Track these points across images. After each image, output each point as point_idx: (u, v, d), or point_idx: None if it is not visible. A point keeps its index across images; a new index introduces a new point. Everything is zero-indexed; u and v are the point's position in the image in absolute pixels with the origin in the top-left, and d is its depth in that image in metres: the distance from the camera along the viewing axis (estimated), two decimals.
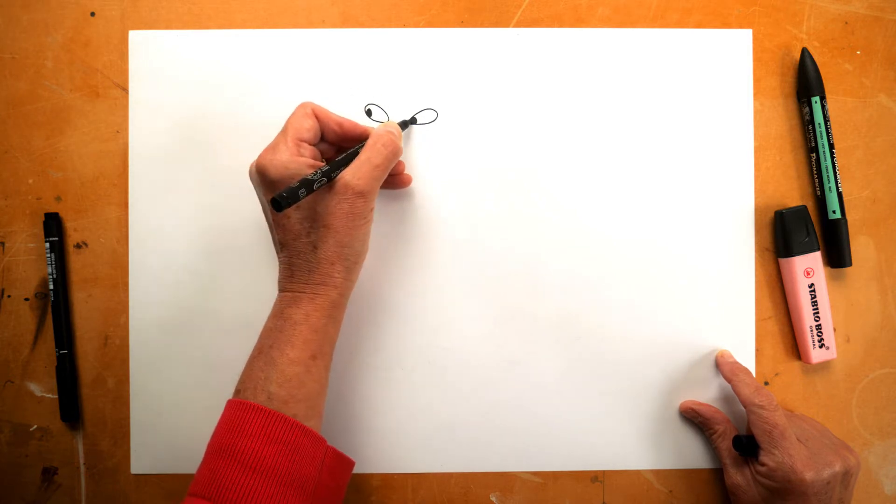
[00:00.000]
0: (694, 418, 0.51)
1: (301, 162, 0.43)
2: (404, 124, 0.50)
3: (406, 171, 0.51)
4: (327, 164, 0.44)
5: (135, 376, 0.51)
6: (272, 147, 0.44)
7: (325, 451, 0.42)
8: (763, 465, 0.46)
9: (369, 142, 0.44)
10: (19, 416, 0.51)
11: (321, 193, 0.43)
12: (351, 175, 0.42)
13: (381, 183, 0.44)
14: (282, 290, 0.44)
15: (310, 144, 0.45)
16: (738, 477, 0.48)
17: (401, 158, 0.49)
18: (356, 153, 0.45)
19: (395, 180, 0.50)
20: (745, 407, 0.48)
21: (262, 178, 0.43)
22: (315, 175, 0.41)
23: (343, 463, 0.44)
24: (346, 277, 0.44)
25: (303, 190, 0.41)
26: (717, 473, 0.52)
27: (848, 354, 0.52)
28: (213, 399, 0.50)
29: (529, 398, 0.51)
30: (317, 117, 0.46)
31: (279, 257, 0.45)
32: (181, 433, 0.51)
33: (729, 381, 0.49)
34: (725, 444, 0.49)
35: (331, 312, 0.43)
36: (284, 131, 0.44)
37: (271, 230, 0.45)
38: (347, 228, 0.42)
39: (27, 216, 0.51)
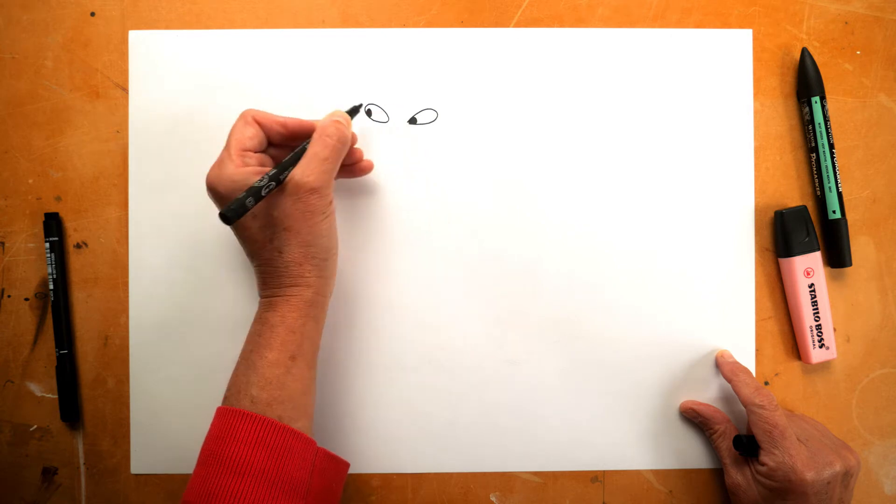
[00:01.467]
0: (694, 418, 0.51)
1: (247, 172, 0.42)
2: (353, 111, 0.48)
3: (367, 158, 0.50)
4: (275, 167, 0.43)
5: (135, 376, 0.51)
6: (217, 163, 0.43)
7: (316, 452, 0.42)
8: (763, 464, 0.46)
9: (315, 135, 0.43)
10: (19, 416, 0.51)
11: (275, 198, 0.42)
12: (300, 173, 0.42)
13: (333, 174, 0.43)
14: (260, 296, 0.44)
15: (255, 152, 0.45)
16: (738, 477, 0.48)
17: (358, 146, 0.49)
18: (304, 150, 0.44)
19: (354, 168, 0.49)
20: (745, 407, 0.48)
21: (213, 195, 0.43)
22: (262, 181, 0.41)
23: (336, 464, 0.44)
24: (319, 275, 0.43)
25: (250, 199, 0.40)
26: (717, 473, 0.52)
27: (848, 354, 0.52)
28: (213, 399, 0.50)
29: (529, 398, 0.51)
30: (258, 123, 0.45)
31: (252, 267, 0.45)
32: (181, 433, 0.51)
33: (729, 381, 0.49)
34: (726, 444, 0.49)
35: (307, 311, 0.43)
36: (227, 144, 0.44)
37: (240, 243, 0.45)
38: (307, 227, 0.42)
39: (27, 216, 0.51)
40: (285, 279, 0.43)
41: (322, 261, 0.43)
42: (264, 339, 0.42)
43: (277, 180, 0.42)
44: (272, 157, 0.47)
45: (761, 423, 0.46)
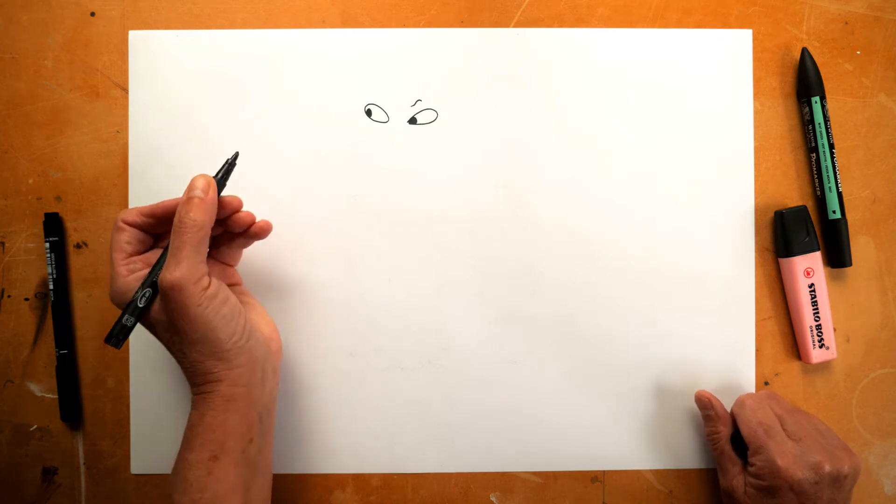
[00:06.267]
0: (704, 409, 0.50)
1: (132, 280, 0.42)
2: (228, 168, 0.44)
3: (246, 208, 0.46)
4: (148, 272, 0.42)
5: (135, 376, 0.51)
6: (110, 280, 0.42)
7: None
8: (752, 465, 0.46)
9: (172, 226, 0.41)
10: (19, 416, 0.51)
11: (161, 298, 0.41)
12: (163, 272, 0.40)
13: (195, 261, 0.40)
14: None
15: (140, 254, 0.43)
16: (733, 480, 0.47)
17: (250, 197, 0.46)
18: None
19: (246, 233, 0.46)
20: (733, 409, 0.48)
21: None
22: (137, 294, 0.41)
23: None
24: (228, 367, 0.41)
25: (128, 317, 0.40)
26: (717, 473, 0.52)
27: (848, 354, 0.52)
28: None
29: (529, 398, 0.51)
30: (127, 224, 0.43)
31: None
32: (181, 433, 0.50)
33: (711, 407, 0.50)
34: (723, 447, 0.49)
35: (226, 406, 0.41)
36: (110, 257, 0.43)
37: None
38: (189, 325, 0.40)
39: (27, 216, 0.51)
40: (196, 378, 0.41)
41: (225, 352, 0.41)
42: (185, 439, 0.41)
43: (153, 285, 0.41)
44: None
45: (747, 422, 0.46)
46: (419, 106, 0.51)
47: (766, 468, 0.44)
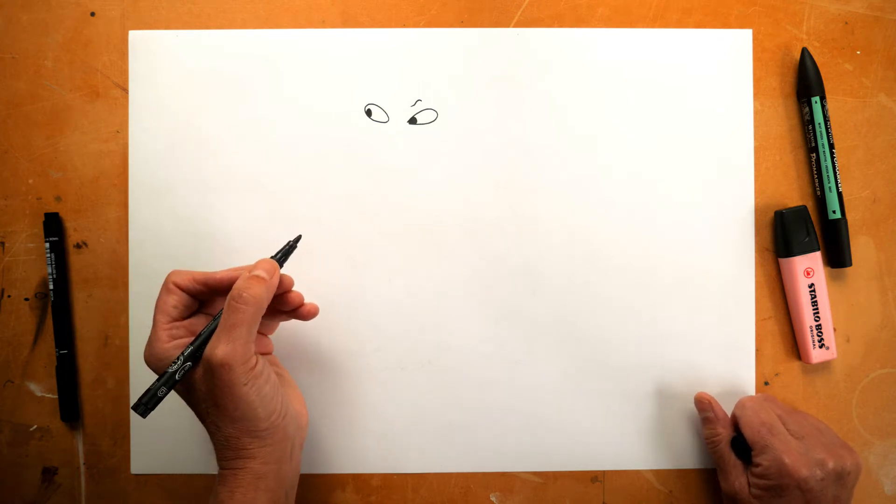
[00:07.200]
0: (703, 411, 0.50)
1: (173, 347, 0.41)
2: (288, 250, 0.45)
3: (301, 295, 0.46)
4: (191, 342, 0.41)
5: (135, 376, 0.51)
6: (149, 339, 0.42)
7: None
8: (757, 465, 0.46)
9: (227, 300, 0.41)
10: (19, 416, 0.51)
11: (197, 372, 0.40)
12: (210, 347, 0.39)
13: (248, 340, 0.40)
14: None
15: (183, 319, 0.43)
16: (735, 483, 0.47)
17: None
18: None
19: (295, 314, 0.46)
20: (734, 413, 0.48)
21: (154, 372, 0.42)
22: (175, 364, 0.40)
23: None
24: (263, 444, 0.41)
25: (162, 389, 0.39)
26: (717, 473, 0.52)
27: (848, 354, 0.52)
28: None
29: (529, 398, 0.51)
30: (179, 287, 0.43)
31: None
32: (181, 433, 0.51)
33: (709, 409, 0.50)
34: (722, 449, 0.49)
35: (256, 484, 0.40)
36: (154, 318, 0.42)
37: None
38: (232, 402, 0.39)
39: (27, 216, 0.51)
40: (228, 452, 0.41)
41: (262, 430, 0.41)
42: None
43: (194, 358, 0.40)
44: (212, 316, 0.44)
45: (749, 423, 0.46)
46: (419, 106, 0.51)
47: (773, 467, 0.44)
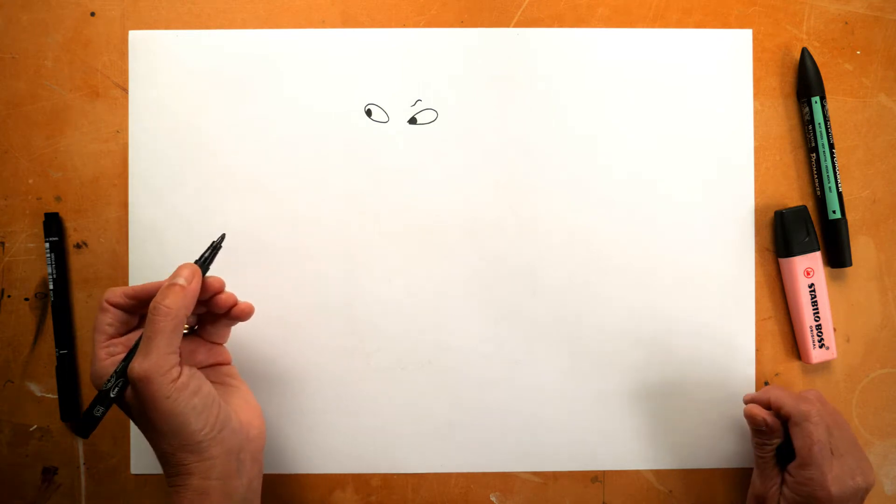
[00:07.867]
0: (759, 425, 0.47)
1: (110, 364, 0.41)
2: (212, 251, 0.44)
3: (228, 290, 0.45)
4: (122, 359, 0.41)
5: None
6: (91, 361, 0.41)
7: None
8: (793, 476, 0.45)
9: (147, 312, 0.40)
10: (19, 416, 0.51)
11: (132, 387, 0.39)
12: (132, 363, 0.39)
13: (168, 350, 0.39)
14: None
15: (121, 335, 0.42)
16: (772, 489, 0.46)
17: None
18: None
19: (228, 313, 0.44)
20: (789, 418, 0.46)
21: None
22: (108, 383, 0.40)
23: None
24: (199, 460, 0.39)
25: (98, 408, 0.39)
26: (717, 473, 0.52)
27: (848, 354, 0.52)
28: None
29: (529, 398, 0.51)
30: (111, 304, 0.42)
31: None
32: None
33: (767, 404, 0.47)
34: (770, 457, 0.47)
35: (199, 499, 0.39)
36: (92, 337, 0.42)
37: None
38: (159, 416, 0.39)
39: (27, 216, 0.51)
40: (168, 468, 0.40)
41: (196, 444, 0.39)
42: None
43: (125, 375, 0.40)
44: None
45: (804, 437, 0.45)
46: (419, 106, 0.51)
47: (809, 484, 0.44)
